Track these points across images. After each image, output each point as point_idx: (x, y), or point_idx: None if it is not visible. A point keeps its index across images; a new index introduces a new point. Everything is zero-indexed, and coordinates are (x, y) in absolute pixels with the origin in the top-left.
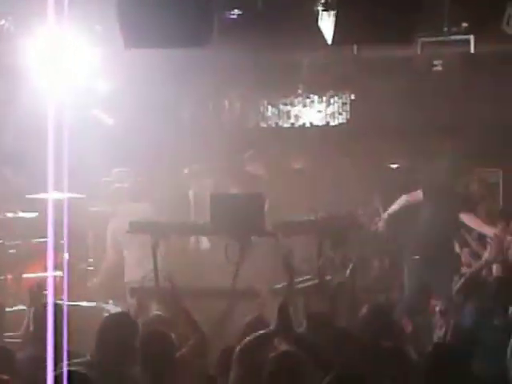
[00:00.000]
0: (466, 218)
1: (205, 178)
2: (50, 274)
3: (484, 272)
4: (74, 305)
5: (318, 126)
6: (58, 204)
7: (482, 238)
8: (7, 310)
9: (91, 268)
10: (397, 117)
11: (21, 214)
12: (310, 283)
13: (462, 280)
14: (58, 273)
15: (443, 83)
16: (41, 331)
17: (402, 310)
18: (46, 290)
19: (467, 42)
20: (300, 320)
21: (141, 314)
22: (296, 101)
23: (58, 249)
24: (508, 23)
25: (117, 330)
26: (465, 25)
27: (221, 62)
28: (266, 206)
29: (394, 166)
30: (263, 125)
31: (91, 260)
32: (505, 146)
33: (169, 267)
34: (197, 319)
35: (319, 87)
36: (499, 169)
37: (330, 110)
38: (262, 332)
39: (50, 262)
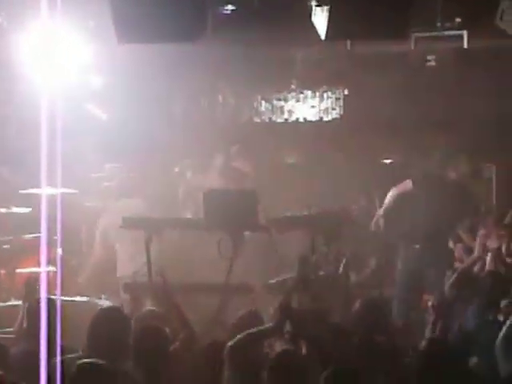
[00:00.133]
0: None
1: (196, 174)
2: (44, 269)
3: (477, 267)
4: (67, 300)
5: (311, 121)
6: (52, 199)
7: (474, 231)
8: (0, 304)
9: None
10: (390, 112)
11: (14, 210)
12: None
13: (455, 275)
14: (52, 268)
15: (437, 78)
16: (34, 326)
17: (395, 305)
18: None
19: (461, 37)
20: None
21: (135, 309)
22: (289, 96)
23: (51, 244)
24: (501, 18)
25: (108, 325)
26: (458, 20)
27: (214, 57)
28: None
29: (388, 161)
30: (257, 120)
31: (85, 255)
32: (498, 142)
33: (162, 262)
34: (190, 315)
35: (313, 82)
36: (493, 164)
37: (324, 105)
38: (256, 329)
39: (43, 257)
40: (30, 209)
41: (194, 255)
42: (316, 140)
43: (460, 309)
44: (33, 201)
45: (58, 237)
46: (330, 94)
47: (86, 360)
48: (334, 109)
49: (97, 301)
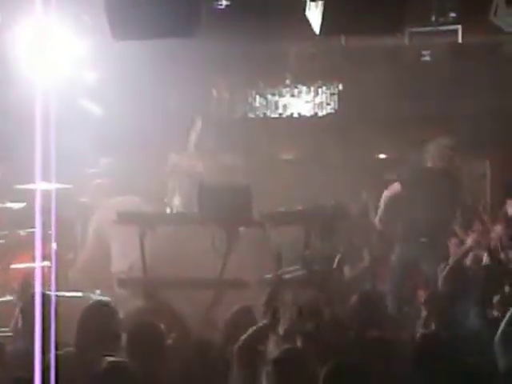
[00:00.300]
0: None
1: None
2: (38, 264)
3: (470, 260)
4: (62, 295)
5: (306, 116)
6: (46, 194)
7: (469, 226)
8: None
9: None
10: (385, 107)
11: (9, 205)
12: (297, 274)
13: (447, 268)
14: (46, 263)
15: (431, 73)
16: (30, 322)
17: (389, 300)
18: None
19: (455, 32)
20: (289, 310)
21: (129, 305)
22: (284, 91)
23: (46, 239)
24: (495, 13)
25: (97, 319)
26: (452, 15)
27: (209, 52)
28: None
29: (383, 156)
30: (251, 115)
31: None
32: (493, 137)
33: (156, 258)
34: (184, 310)
35: (307, 77)
36: (487, 159)
37: (318, 100)
38: (257, 326)
39: (38, 253)
40: (25, 204)
41: (188, 250)
42: (311, 135)
43: (453, 303)
44: (27, 196)
45: (53, 232)
46: (324, 88)
47: (112, 359)
48: (328, 104)
49: (91, 295)
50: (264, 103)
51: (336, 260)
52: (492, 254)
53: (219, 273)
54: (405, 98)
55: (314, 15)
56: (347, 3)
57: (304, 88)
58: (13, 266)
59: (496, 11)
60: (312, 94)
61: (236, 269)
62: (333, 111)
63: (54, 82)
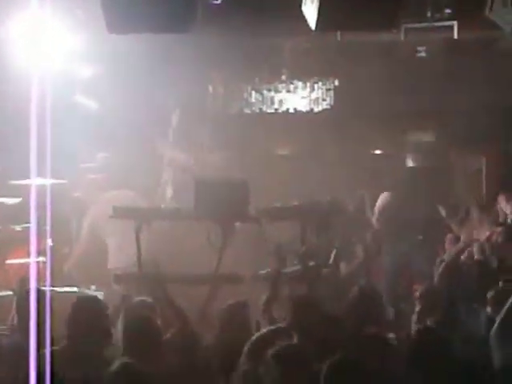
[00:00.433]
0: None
1: (183, 163)
2: (33, 259)
3: (465, 257)
4: (58, 291)
5: (302, 111)
6: (41, 189)
7: (464, 222)
8: None
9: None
10: (381, 103)
11: (3, 200)
12: (293, 269)
13: (442, 264)
14: (41, 258)
15: (427, 69)
16: (24, 319)
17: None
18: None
19: (451, 28)
20: (285, 306)
21: (126, 300)
22: (280, 86)
23: (41, 234)
24: (491, 9)
25: (85, 313)
26: (448, 11)
27: (204, 47)
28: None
29: (378, 151)
30: (247, 111)
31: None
32: (488, 132)
33: (152, 253)
34: (180, 305)
35: (303, 73)
36: (482, 155)
37: (314, 95)
38: (272, 327)
39: (33, 248)
40: (20, 199)
41: (184, 245)
42: (307, 130)
43: (448, 298)
44: (22, 191)
45: (48, 227)
46: (320, 84)
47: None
48: (324, 99)
49: (87, 291)
50: (260, 99)
51: (332, 255)
52: (487, 249)
53: (215, 268)
54: (400, 94)
55: (310, 11)
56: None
57: (300, 83)
58: (8, 262)
59: (492, 7)
60: (308, 89)
61: (232, 264)
62: (329, 107)
63: (49, 77)
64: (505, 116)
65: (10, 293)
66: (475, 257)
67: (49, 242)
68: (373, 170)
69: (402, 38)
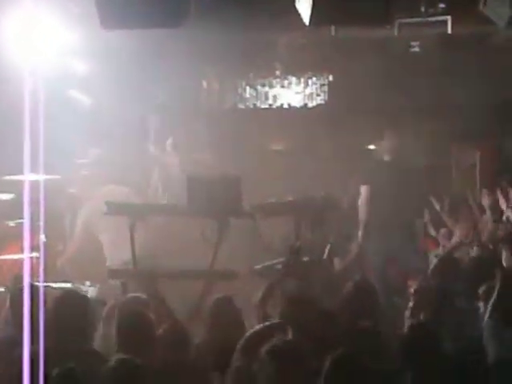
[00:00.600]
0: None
1: (173, 158)
2: (27, 255)
3: (460, 252)
4: (51, 286)
5: (296, 107)
6: (35, 185)
7: (456, 214)
8: None
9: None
10: (375, 98)
11: None
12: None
13: (437, 260)
14: (35, 254)
15: (421, 64)
16: (18, 313)
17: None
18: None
19: (444, 22)
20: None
21: (120, 295)
22: (274, 82)
23: (34, 230)
24: (485, 4)
25: (69, 309)
26: (442, 6)
27: (198, 43)
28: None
29: (372, 147)
30: (241, 106)
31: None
32: (483, 127)
33: (147, 249)
34: (175, 301)
35: (297, 68)
36: (477, 150)
37: (308, 91)
38: (267, 323)
39: (26, 244)
40: (13, 195)
41: (179, 241)
42: (301, 126)
43: (442, 294)
44: (15, 187)
45: (41, 223)
46: (314, 79)
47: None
48: (318, 95)
49: (81, 287)
50: (254, 94)
51: (326, 250)
52: (481, 244)
53: (209, 263)
54: (394, 89)
55: (304, 6)
56: None
57: (294, 79)
58: (1, 257)
59: (485, 2)
60: (302, 84)
61: (226, 259)
62: (323, 102)
63: (42, 72)
64: (499, 111)
65: (2, 290)
66: (470, 252)
67: (42, 237)
68: (367, 165)
69: (396, 33)
